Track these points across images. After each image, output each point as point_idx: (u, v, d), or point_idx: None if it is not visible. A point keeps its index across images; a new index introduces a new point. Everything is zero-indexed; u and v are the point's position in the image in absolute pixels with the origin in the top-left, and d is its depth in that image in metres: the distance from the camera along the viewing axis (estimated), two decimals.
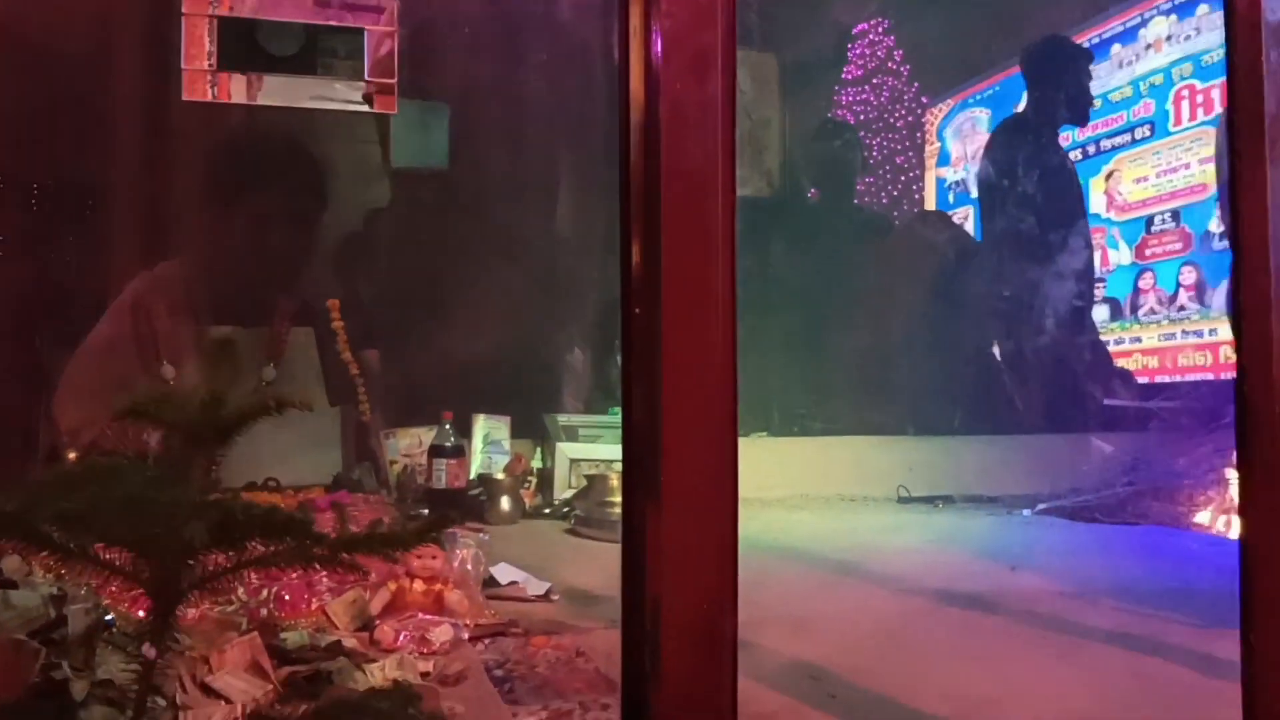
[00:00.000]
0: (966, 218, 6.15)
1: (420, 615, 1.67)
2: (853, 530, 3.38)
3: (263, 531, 0.66)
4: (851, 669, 1.64)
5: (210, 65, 3.04)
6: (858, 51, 6.12)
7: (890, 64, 6.20)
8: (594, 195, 4.56)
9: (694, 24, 1.01)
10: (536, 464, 3.90)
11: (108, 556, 0.71)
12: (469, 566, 1.79)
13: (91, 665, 1.16)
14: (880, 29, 6.16)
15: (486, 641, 1.73)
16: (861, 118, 6.05)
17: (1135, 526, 3.51)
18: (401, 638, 1.61)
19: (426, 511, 3.10)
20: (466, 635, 1.70)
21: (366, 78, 3.13)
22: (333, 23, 3.11)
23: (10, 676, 1.01)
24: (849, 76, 6.09)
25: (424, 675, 1.48)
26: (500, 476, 3.46)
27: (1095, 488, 3.93)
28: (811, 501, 4.05)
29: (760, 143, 4.69)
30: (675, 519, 0.95)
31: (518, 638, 1.76)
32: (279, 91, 3.12)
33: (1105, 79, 5.05)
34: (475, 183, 4.50)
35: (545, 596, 2.17)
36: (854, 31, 6.05)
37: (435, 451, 2.97)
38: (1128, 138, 5.02)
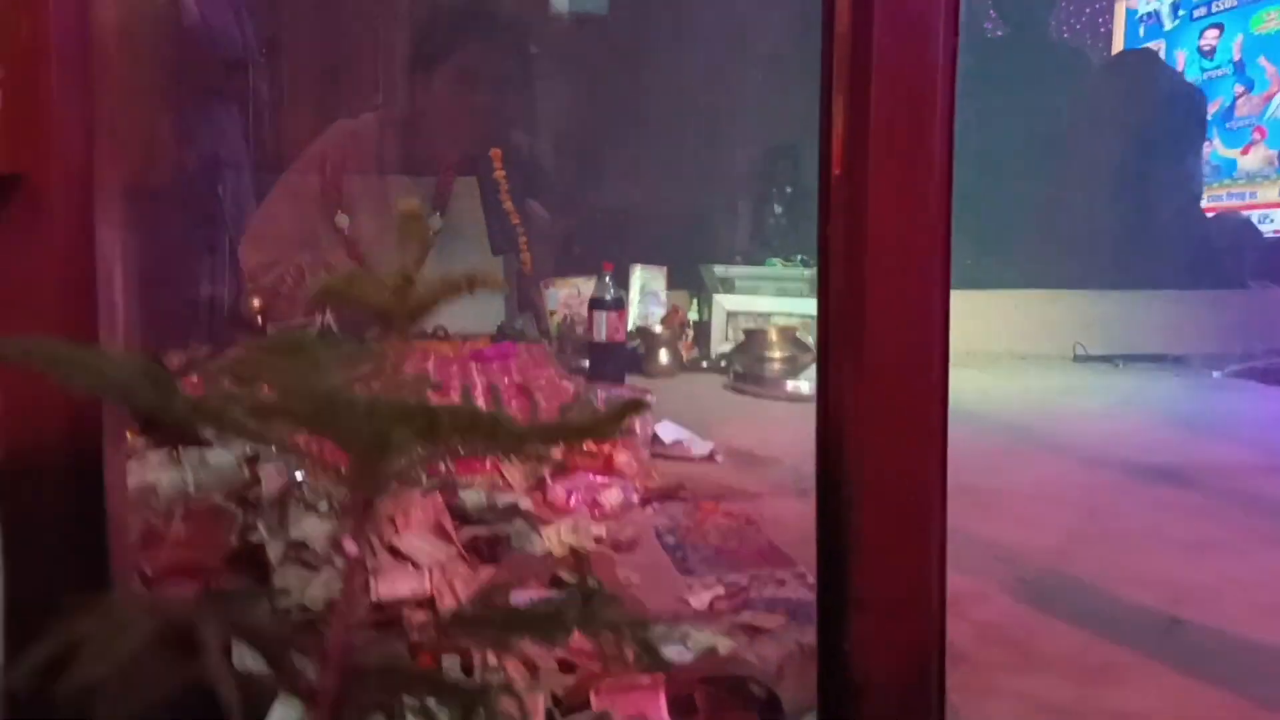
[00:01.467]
0: (1159, 50, 5.60)
1: (591, 476, 1.66)
2: (1026, 390, 3.23)
3: (464, 434, 0.62)
4: (1042, 550, 1.56)
5: None
6: None
7: None
8: (757, 37, 4.33)
9: None
10: (693, 316, 3.86)
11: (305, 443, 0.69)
12: (636, 428, 1.77)
13: (285, 525, 1.18)
14: None
15: (655, 505, 1.72)
16: None
17: None
18: (573, 499, 1.61)
19: (588, 363, 3.11)
20: (636, 499, 1.68)
21: None
22: None
23: (211, 541, 1.03)
24: None
25: (597, 540, 1.48)
26: (658, 329, 3.43)
27: None
28: (978, 359, 3.88)
29: None
30: (878, 386, 0.86)
31: (686, 502, 1.74)
32: None
33: None
34: (635, 28, 4.34)
35: (710, 457, 2.14)
36: None
37: (595, 304, 2.95)
38: None
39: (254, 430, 0.71)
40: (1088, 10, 6.02)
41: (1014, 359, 3.91)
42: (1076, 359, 3.87)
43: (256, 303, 3.45)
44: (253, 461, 1.21)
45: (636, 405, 1.06)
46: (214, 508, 1.08)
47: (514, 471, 1.72)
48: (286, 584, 1.17)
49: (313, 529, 1.20)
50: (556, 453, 1.69)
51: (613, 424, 0.86)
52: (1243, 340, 3.89)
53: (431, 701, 0.72)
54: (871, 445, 0.89)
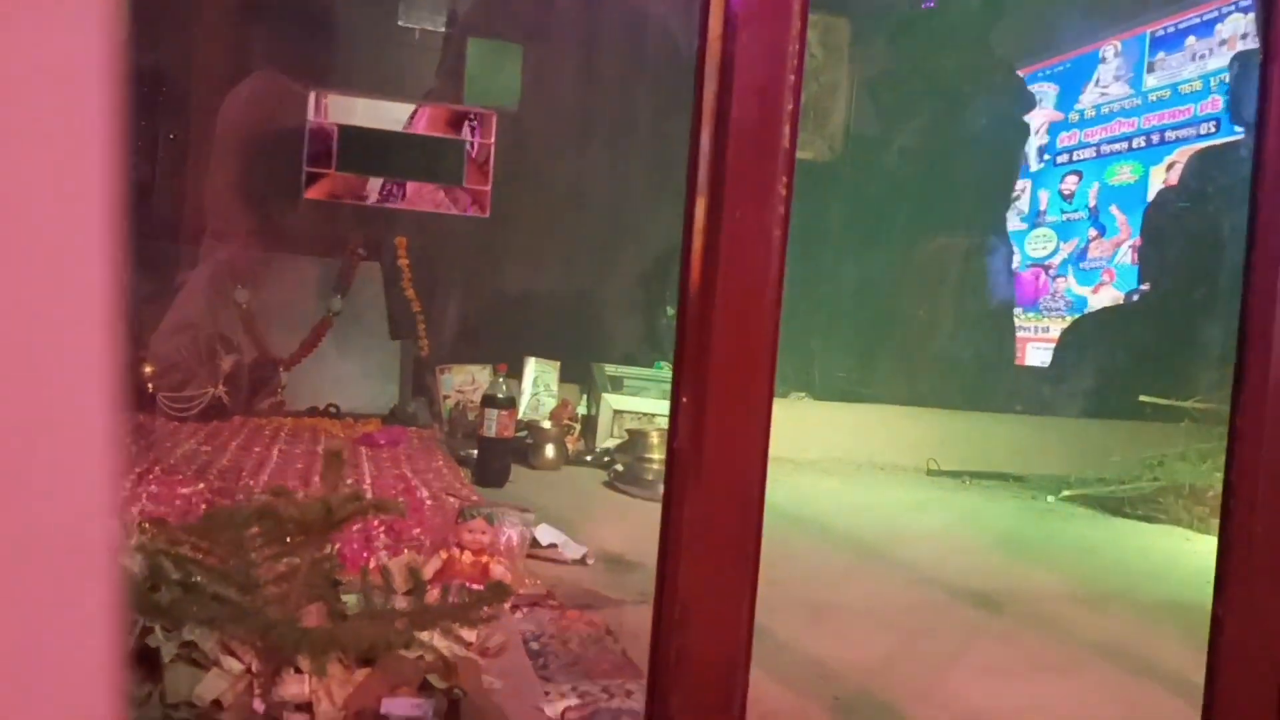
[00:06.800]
0: (1024, 191, 6.10)
1: (468, 584, 1.82)
2: (879, 505, 3.50)
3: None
4: (860, 669, 1.77)
5: None
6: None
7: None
8: (661, 142, 4.60)
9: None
10: (582, 410, 4.05)
11: None
12: (514, 544, 1.94)
13: (180, 628, 1.32)
14: None
15: (524, 610, 1.89)
16: None
17: (1157, 524, 3.59)
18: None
19: (475, 453, 3.25)
20: (508, 605, 1.84)
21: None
22: None
23: None
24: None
25: (468, 646, 1.63)
26: (546, 425, 3.61)
27: (1121, 479, 3.99)
28: (843, 467, 4.17)
29: (826, 107, 4.70)
30: (703, 522, 1.03)
31: (553, 609, 1.91)
32: None
33: (1176, 69, 4.96)
34: (544, 124, 4.57)
35: (581, 561, 2.33)
36: None
37: (487, 401, 3.12)
38: (1192, 131, 4.95)
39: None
40: None
41: (875, 469, 4.20)
42: (930, 473, 4.18)
43: (148, 370, 3.52)
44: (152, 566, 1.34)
45: (501, 592, 1.24)
46: None
47: (395, 573, 1.87)
48: (177, 682, 1.30)
49: (203, 631, 1.33)
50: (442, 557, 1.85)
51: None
52: (1078, 466, 4.26)
53: None
54: (700, 561, 1.06)
